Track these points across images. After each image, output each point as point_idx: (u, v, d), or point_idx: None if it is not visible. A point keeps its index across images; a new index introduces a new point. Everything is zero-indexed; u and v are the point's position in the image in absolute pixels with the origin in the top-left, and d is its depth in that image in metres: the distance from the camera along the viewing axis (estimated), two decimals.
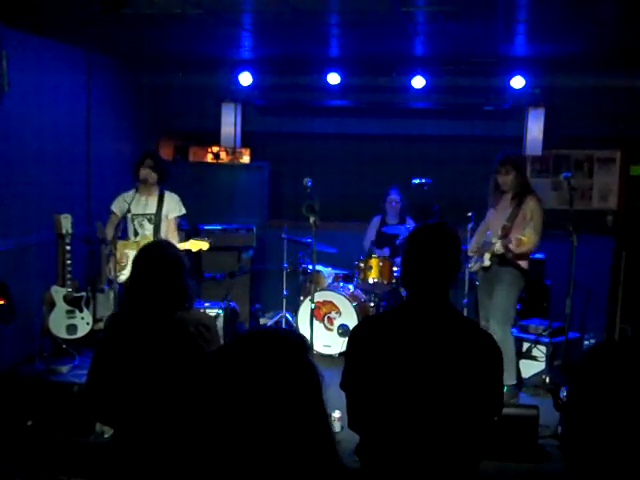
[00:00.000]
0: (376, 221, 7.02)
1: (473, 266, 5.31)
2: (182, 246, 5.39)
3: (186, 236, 6.41)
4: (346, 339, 6.50)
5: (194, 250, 5.49)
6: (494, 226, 5.20)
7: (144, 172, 5.47)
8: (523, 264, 5.14)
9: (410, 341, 2.31)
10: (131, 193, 5.50)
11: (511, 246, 4.96)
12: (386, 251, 6.74)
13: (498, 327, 5.00)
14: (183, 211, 5.68)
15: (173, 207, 5.63)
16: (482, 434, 2.32)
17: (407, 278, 2.44)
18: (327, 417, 1.44)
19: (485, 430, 2.33)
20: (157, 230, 5.53)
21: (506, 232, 5.06)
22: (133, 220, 5.57)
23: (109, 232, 5.61)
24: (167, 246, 3.04)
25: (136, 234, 5.56)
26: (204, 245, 5.50)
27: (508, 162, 5.13)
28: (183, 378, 2.59)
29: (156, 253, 2.90)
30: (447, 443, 2.26)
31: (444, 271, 2.37)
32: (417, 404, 2.26)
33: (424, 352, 2.28)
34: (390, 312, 2.53)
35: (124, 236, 5.67)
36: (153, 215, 5.56)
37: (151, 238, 5.44)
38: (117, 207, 5.61)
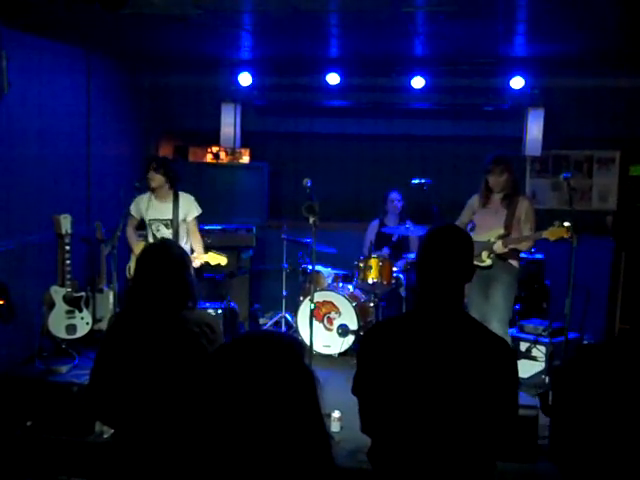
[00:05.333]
0: (374, 225, 7.02)
1: None
2: (201, 258, 5.37)
3: None
4: (346, 339, 6.56)
5: (212, 264, 5.47)
6: (485, 226, 5.24)
7: (149, 176, 5.42)
8: (516, 263, 5.24)
9: (423, 345, 2.29)
10: (146, 196, 5.50)
11: (514, 245, 5.06)
12: (385, 250, 6.74)
13: (500, 326, 5.04)
14: (200, 210, 5.60)
15: (189, 208, 5.55)
16: (497, 439, 2.30)
17: (421, 282, 2.38)
18: (322, 420, 1.44)
19: (500, 435, 2.30)
20: (176, 234, 5.45)
21: (509, 232, 5.11)
22: (151, 225, 5.54)
23: (130, 234, 5.62)
24: (171, 245, 3.03)
25: (154, 239, 5.51)
26: (222, 260, 5.47)
27: (502, 163, 5.16)
28: (186, 378, 2.59)
29: (161, 252, 2.89)
30: (461, 448, 2.24)
31: (459, 275, 2.34)
32: (430, 409, 2.24)
33: (437, 356, 2.26)
34: (403, 316, 2.51)
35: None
36: (170, 220, 5.48)
37: None
38: (135, 210, 5.58)
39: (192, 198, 5.61)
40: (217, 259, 5.46)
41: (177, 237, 5.44)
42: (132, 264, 5.56)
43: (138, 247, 5.48)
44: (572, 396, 1.37)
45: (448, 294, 2.33)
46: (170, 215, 5.49)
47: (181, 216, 5.50)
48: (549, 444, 1.68)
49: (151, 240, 5.53)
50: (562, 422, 1.38)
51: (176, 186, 5.56)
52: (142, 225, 5.70)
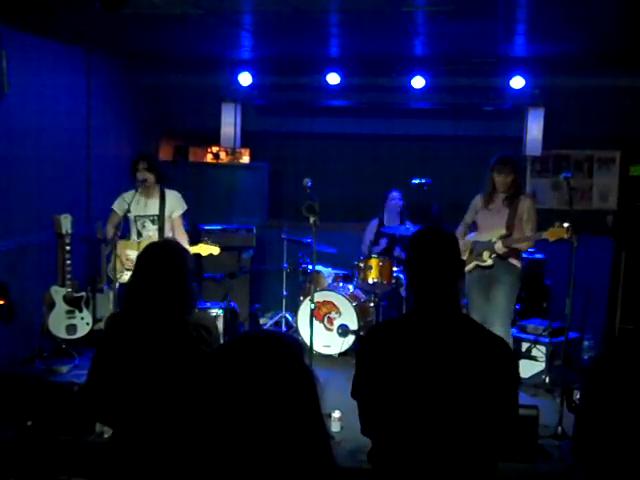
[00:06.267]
0: (373, 224, 7.02)
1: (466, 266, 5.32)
2: (192, 250, 5.35)
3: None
4: (346, 339, 6.55)
5: (204, 254, 5.44)
6: (488, 226, 5.24)
7: (140, 174, 5.42)
8: (518, 262, 5.23)
9: (422, 347, 2.29)
10: (131, 193, 5.47)
11: (515, 245, 5.07)
12: (383, 242, 6.76)
13: (501, 328, 5.03)
14: (185, 207, 5.60)
15: (176, 205, 5.56)
16: (497, 439, 2.30)
17: (413, 284, 2.41)
18: (323, 420, 1.44)
19: (500, 435, 2.30)
20: (162, 231, 5.47)
21: (510, 232, 5.12)
22: (136, 221, 5.52)
23: (109, 231, 5.53)
24: (175, 247, 2.99)
25: (139, 235, 5.50)
26: (215, 250, 5.44)
27: (509, 164, 5.16)
28: (182, 380, 2.58)
29: (164, 254, 2.86)
30: (462, 449, 2.24)
31: (449, 274, 2.35)
32: (431, 410, 2.25)
33: (436, 358, 2.27)
34: (401, 318, 2.51)
35: (124, 236, 5.65)
36: (156, 216, 5.49)
37: (156, 239, 5.38)
38: (118, 206, 5.56)
39: (179, 195, 5.61)
40: (209, 249, 5.42)
41: (162, 233, 5.47)
42: (114, 264, 5.46)
43: (121, 246, 5.42)
44: (604, 394, 1.36)
45: (443, 294, 2.34)
46: (156, 211, 5.50)
47: (167, 212, 5.51)
48: (573, 443, 1.68)
49: (135, 237, 5.52)
50: (591, 421, 1.37)
51: (162, 182, 5.57)
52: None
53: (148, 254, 2.88)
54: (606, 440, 1.52)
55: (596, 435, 1.53)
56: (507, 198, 5.18)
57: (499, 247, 5.07)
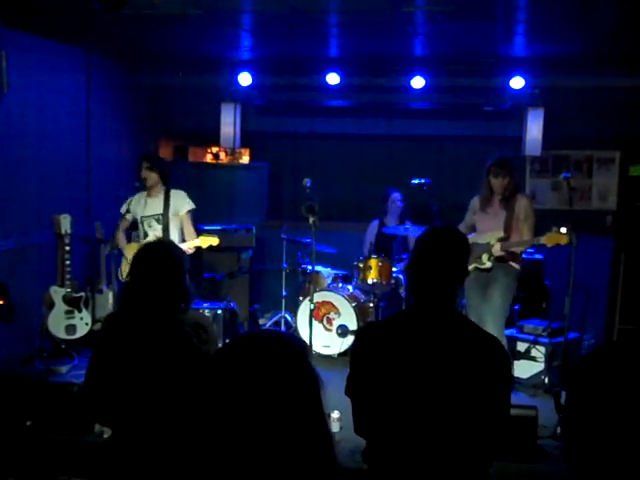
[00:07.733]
0: (374, 225, 7.01)
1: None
2: (193, 243, 5.38)
3: None
4: (345, 339, 6.54)
5: (204, 247, 5.47)
6: (486, 228, 5.24)
7: (142, 174, 5.49)
8: (517, 264, 5.22)
9: (417, 346, 2.29)
10: (139, 195, 5.53)
11: (513, 248, 5.05)
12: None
13: (495, 327, 5.04)
14: (193, 205, 5.63)
15: (182, 203, 5.59)
16: (490, 439, 2.31)
17: (414, 282, 2.40)
18: (326, 420, 1.44)
19: (493, 435, 2.31)
20: (166, 229, 5.50)
21: (508, 234, 5.11)
22: (142, 222, 5.56)
23: (119, 237, 5.63)
24: (170, 246, 3.01)
25: (145, 236, 5.54)
26: (214, 241, 5.46)
27: (505, 166, 5.17)
28: (180, 379, 2.58)
29: (159, 253, 2.87)
30: (456, 448, 2.24)
31: (453, 276, 2.35)
32: (425, 409, 2.25)
33: (431, 357, 2.27)
34: (395, 317, 2.51)
35: (131, 239, 5.71)
36: (160, 215, 5.52)
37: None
38: (126, 211, 5.63)
39: (184, 193, 5.65)
40: (208, 241, 5.44)
41: (167, 232, 5.49)
42: (123, 267, 5.55)
43: (129, 249, 5.48)
44: (586, 394, 1.36)
45: (441, 294, 2.34)
46: (161, 210, 5.53)
47: (172, 211, 5.54)
48: (562, 443, 1.68)
49: (142, 238, 5.55)
50: (575, 421, 1.38)
51: (168, 182, 5.60)
52: (133, 226, 5.75)
53: (143, 254, 2.89)
54: (594, 439, 1.52)
55: (583, 434, 1.53)
56: (504, 199, 5.19)
57: (496, 250, 5.08)
